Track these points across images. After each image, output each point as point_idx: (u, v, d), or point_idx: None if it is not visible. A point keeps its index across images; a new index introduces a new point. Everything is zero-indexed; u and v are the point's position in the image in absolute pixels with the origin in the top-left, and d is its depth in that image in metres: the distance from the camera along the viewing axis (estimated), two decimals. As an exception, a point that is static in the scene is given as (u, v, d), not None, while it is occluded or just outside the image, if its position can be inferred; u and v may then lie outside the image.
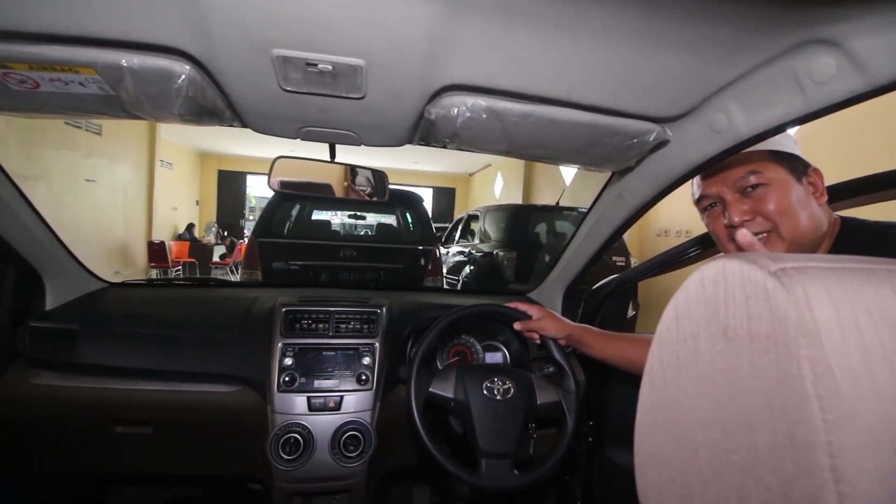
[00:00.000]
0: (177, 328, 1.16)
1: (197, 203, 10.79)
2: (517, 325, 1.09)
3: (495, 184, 10.11)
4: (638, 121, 0.81)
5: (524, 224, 4.75)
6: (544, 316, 1.09)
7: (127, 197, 7.12)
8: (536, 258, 4.27)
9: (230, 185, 11.48)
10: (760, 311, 0.22)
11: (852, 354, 0.19)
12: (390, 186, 1.28)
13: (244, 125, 0.80)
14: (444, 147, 0.93)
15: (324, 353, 1.14)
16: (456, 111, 0.77)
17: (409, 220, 4.13)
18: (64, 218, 5.18)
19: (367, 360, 1.15)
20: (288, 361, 1.11)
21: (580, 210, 4.77)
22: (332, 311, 1.19)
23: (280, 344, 1.12)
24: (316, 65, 0.61)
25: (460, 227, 6.01)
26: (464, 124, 0.80)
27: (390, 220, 4.62)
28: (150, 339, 1.12)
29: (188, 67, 0.61)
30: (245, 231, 10.59)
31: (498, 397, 0.96)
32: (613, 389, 1.35)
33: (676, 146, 0.88)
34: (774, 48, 0.63)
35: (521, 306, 1.10)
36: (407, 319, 1.26)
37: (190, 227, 9.00)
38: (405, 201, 4.03)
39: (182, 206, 9.73)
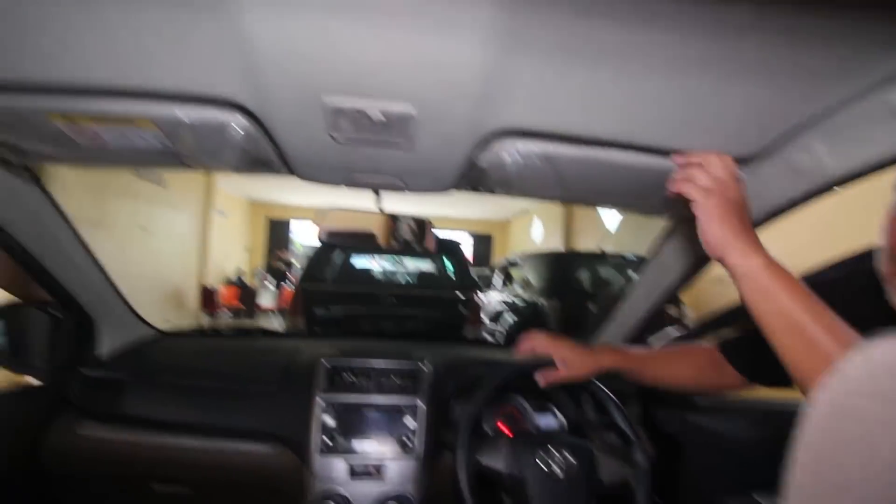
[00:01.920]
0: (220, 380, 1.14)
1: (246, 249, 11.31)
2: (541, 381, 0.97)
3: (533, 229, 10.03)
4: None
5: (567, 272, 4.61)
6: (569, 354, 0.95)
7: (184, 244, 7.56)
8: (583, 309, 4.09)
9: (277, 231, 12.02)
10: None
11: None
12: (431, 233, 1.26)
13: (292, 173, 0.80)
14: (493, 192, 0.89)
15: (365, 411, 1.08)
16: (506, 156, 0.74)
17: (449, 267, 4.11)
18: (125, 264, 5.53)
19: (410, 422, 1.07)
20: (328, 420, 1.05)
21: (627, 257, 4.60)
22: (374, 365, 1.14)
23: (320, 400, 1.07)
24: (365, 112, 0.60)
25: (500, 274, 5.92)
26: (515, 170, 0.76)
27: (430, 266, 4.62)
28: (194, 391, 1.11)
29: (241, 118, 0.62)
30: (290, 275, 10.93)
31: (556, 473, 0.86)
32: (690, 462, 1.19)
33: (751, 189, 0.80)
34: (868, 78, 0.56)
35: (538, 343, 0.98)
36: (451, 375, 1.19)
37: (239, 272, 9.39)
38: (445, 248, 4.04)
39: (233, 252, 10.22)
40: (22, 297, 1.12)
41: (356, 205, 1.16)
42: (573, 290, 4.44)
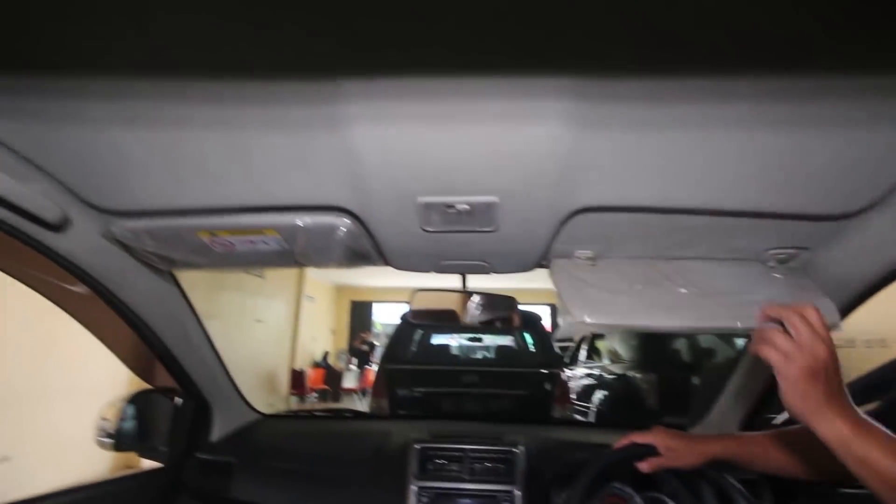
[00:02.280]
0: (317, 464, 1.17)
1: (332, 332, 11.88)
2: (643, 468, 0.88)
3: (617, 298, 9.51)
4: (803, 221, 0.70)
5: (661, 341, 4.24)
6: (673, 443, 0.87)
7: (278, 330, 8.14)
8: (684, 383, 3.68)
9: (360, 313, 12.56)
10: None
11: None
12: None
13: (387, 264, 0.87)
14: (577, 268, 0.90)
15: (459, 500, 1.04)
16: (588, 232, 0.75)
17: (529, 341, 3.98)
18: (230, 352, 6.04)
19: None
20: None
21: (728, 322, 4.14)
22: (467, 450, 1.11)
23: (415, 488, 1.05)
24: (454, 206, 0.66)
25: (585, 346, 5.59)
26: (597, 244, 0.77)
27: (510, 341, 4.51)
28: (294, 475, 1.15)
29: (347, 220, 0.71)
30: (372, 356, 11.18)
31: None
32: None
33: (863, 245, 0.73)
34: None
35: (639, 437, 0.91)
36: (547, 461, 1.12)
37: (325, 355, 9.80)
38: (525, 321, 3.94)
39: (320, 335, 10.78)
40: (149, 383, 1.27)
41: (440, 284, 1.21)
42: (670, 362, 4.04)
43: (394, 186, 0.63)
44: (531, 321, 3.89)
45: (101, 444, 1.22)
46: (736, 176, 0.61)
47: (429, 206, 0.66)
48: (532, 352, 3.91)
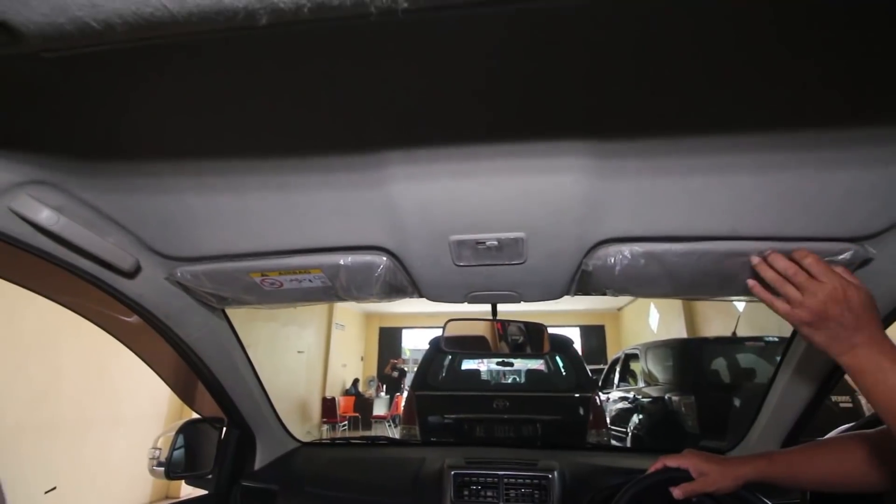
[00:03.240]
0: (356, 491, 1.21)
1: (361, 359, 11.95)
2: (676, 494, 0.85)
3: (650, 317, 9.26)
4: (825, 242, 0.72)
5: (698, 361, 4.11)
6: (706, 467, 0.85)
7: (309, 358, 8.27)
8: (724, 403, 3.54)
9: (388, 339, 12.61)
10: None
11: None
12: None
13: (422, 296, 0.93)
14: (603, 294, 0.92)
15: None
16: (613, 261, 0.78)
17: (561, 365, 3.92)
18: (267, 382, 6.18)
19: None
20: None
21: (769, 339, 4.00)
22: (502, 476, 1.13)
23: None
24: (484, 242, 0.71)
25: (618, 369, 5.45)
26: (622, 272, 0.80)
27: (540, 365, 4.45)
28: (335, 502, 1.18)
29: (385, 259, 0.77)
30: (403, 382, 11.15)
31: None
32: None
33: (887, 264, 0.74)
34: None
35: (671, 461, 0.89)
36: (581, 487, 1.12)
37: (355, 382, 9.85)
38: (556, 345, 3.89)
39: (350, 362, 10.87)
40: (191, 407, 1.34)
41: (470, 311, 1.25)
42: (709, 383, 3.90)
43: (428, 227, 0.69)
44: (563, 345, 3.84)
45: (153, 473, 1.29)
46: (756, 204, 0.64)
47: (461, 244, 0.72)
48: (564, 375, 3.85)
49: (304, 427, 7.64)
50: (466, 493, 1.11)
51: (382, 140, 0.55)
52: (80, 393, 3.89)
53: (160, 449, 1.24)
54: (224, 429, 1.29)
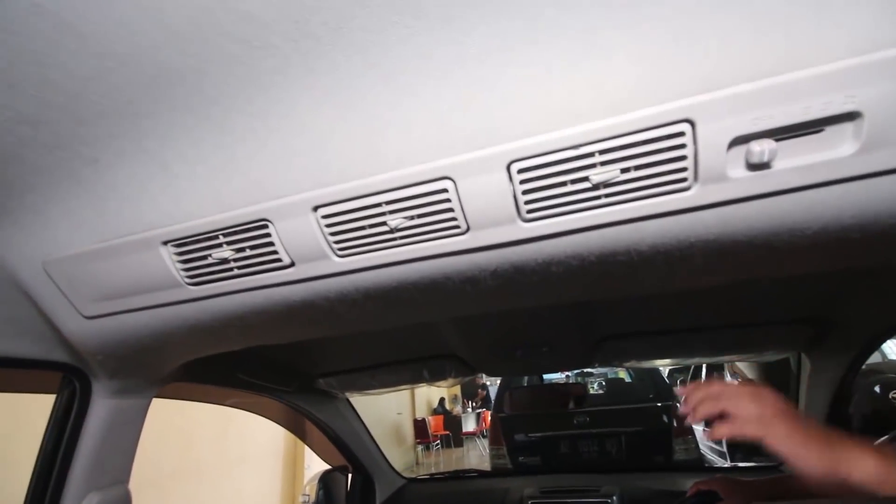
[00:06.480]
0: None
1: (444, 377, 12.30)
2: None
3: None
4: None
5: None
6: (735, 489, 0.90)
7: (396, 383, 8.73)
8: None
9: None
10: None
11: None
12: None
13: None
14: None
15: None
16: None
17: (635, 372, 3.93)
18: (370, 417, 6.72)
19: None
20: None
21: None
22: (568, 503, 1.38)
23: None
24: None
25: (704, 366, 5.27)
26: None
27: (618, 375, 4.44)
28: None
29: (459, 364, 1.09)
30: (487, 399, 11.28)
31: None
32: None
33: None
34: None
35: (703, 485, 0.95)
36: None
37: (441, 400, 10.18)
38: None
39: (433, 382, 11.24)
40: (330, 464, 1.72)
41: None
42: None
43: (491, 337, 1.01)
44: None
45: (305, 516, 1.67)
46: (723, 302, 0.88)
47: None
48: (642, 384, 3.83)
49: (401, 449, 8.05)
50: None
51: None
52: (216, 437, 4.55)
53: (308, 495, 1.62)
54: (350, 475, 1.66)
